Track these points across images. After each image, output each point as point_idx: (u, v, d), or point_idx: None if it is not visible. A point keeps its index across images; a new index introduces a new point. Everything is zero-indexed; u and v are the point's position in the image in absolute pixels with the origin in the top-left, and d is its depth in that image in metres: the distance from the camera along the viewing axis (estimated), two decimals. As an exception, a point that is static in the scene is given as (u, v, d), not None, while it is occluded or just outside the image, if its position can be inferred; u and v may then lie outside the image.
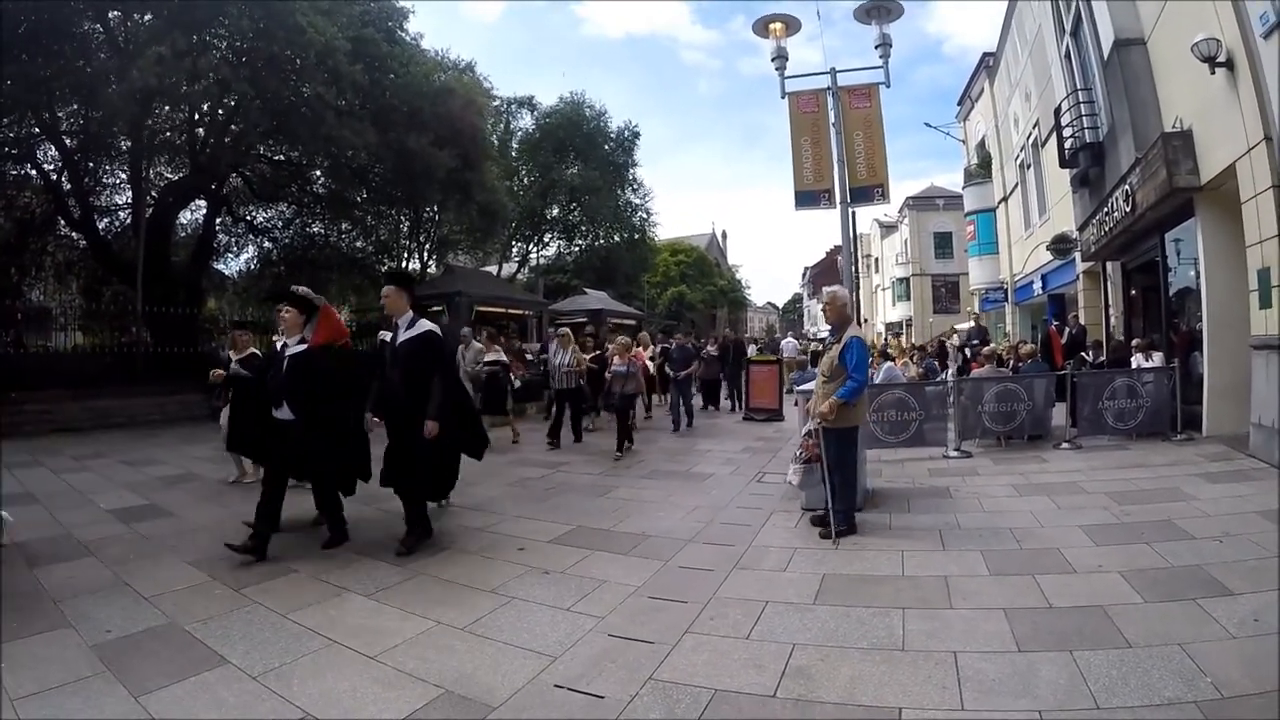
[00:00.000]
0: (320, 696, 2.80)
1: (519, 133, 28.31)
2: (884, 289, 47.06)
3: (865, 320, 47.11)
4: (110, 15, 12.96)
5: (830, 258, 63.73)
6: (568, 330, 10.32)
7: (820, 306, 5.82)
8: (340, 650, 3.21)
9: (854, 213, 8.25)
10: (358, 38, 14.30)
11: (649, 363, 12.52)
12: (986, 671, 2.81)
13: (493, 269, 27.30)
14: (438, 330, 4.90)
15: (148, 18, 12.61)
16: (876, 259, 48.93)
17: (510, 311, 16.03)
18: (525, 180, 27.70)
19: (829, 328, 5.45)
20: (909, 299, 40.39)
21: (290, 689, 2.86)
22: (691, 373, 11.87)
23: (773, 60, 8.94)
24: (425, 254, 23.81)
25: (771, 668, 2.94)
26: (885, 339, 34.05)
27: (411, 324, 4.85)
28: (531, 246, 29.95)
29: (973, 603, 3.56)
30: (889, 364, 11.42)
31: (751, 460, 8.31)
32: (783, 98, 9.13)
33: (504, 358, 9.68)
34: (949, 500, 5.93)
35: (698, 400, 13.37)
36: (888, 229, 45.70)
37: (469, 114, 17.50)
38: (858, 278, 34.38)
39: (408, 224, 22.17)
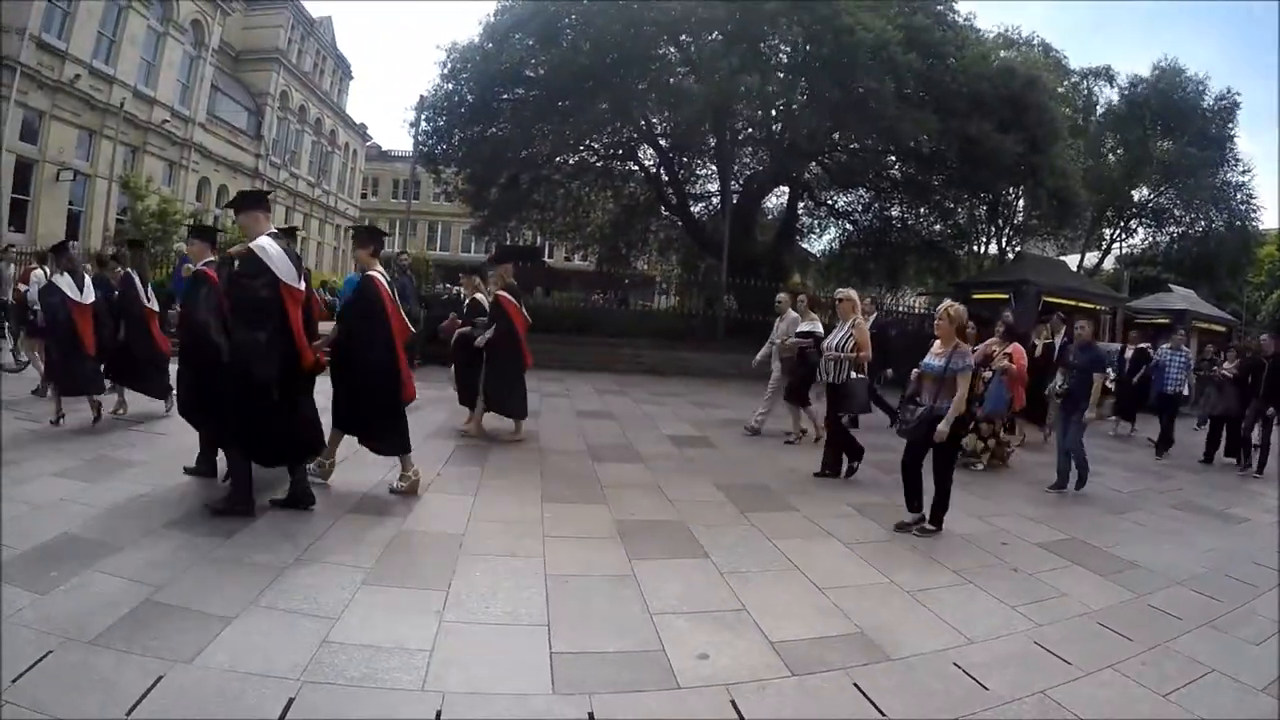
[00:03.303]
0: (761, 600, 3.63)
1: (1101, 107, 24.62)
2: None
3: None
4: (681, 39, 16.42)
5: None
6: (850, 293, 6.95)
7: None
8: (799, 576, 4.03)
9: None
10: (907, 26, 14.69)
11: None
12: None
13: (1074, 259, 24.85)
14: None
15: (715, 35, 15.53)
16: None
17: (1081, 305, 14.44)
18: (1110, 159, 24.18)
19: None
20: None
21: (743, 588, 3.79)
22: (1094, 391, 6.91)
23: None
24: (1003, 240, 23.04)
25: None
26: None
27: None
28: (1116, 234, 26.03)
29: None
30: None
31: (1318, 514, 6.32)
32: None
33: (819, 329, 7.73)
34: None
35: (1189, 441, 9.81)
36: None
37: (1033, 93, 16.26)
38: None
39: (985, 209, 21.81)
